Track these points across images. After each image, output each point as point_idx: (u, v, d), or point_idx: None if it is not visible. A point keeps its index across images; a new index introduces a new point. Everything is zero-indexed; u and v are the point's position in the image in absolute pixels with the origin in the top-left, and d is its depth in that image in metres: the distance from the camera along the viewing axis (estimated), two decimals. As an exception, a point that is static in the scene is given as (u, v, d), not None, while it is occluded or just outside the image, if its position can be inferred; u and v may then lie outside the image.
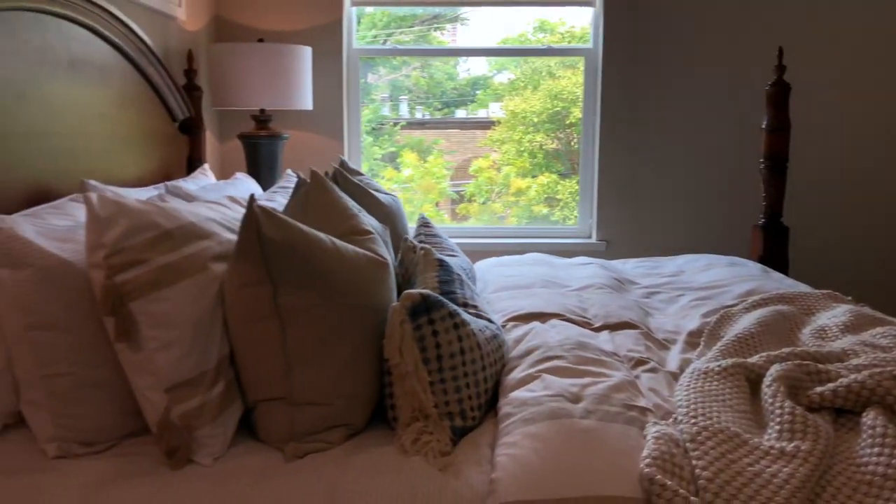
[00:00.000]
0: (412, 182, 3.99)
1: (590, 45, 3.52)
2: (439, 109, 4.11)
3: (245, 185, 2.52)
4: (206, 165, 2.76)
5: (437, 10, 3.80)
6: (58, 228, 1.39)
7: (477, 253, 3.33)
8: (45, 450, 1.28)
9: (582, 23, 3.67)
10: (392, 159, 3.98)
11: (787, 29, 3.35)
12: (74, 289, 1.27)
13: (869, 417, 1.29)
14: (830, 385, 1.40)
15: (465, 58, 3.98)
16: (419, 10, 3.80)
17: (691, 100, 3.44)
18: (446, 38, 4.00)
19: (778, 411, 1.32)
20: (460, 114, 4.15)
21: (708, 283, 2.39)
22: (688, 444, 1.25)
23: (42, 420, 1.28)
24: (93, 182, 1.97)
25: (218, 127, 3.45)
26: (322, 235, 1.37)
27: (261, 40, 3.13)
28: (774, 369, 1.45)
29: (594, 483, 1.16)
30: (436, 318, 1.37)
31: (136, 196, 1.74)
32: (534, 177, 3.92)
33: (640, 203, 3.52)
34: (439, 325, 1.37)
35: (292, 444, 1.29)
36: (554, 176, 3.90)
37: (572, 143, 3.84)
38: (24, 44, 1.83)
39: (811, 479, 1.16)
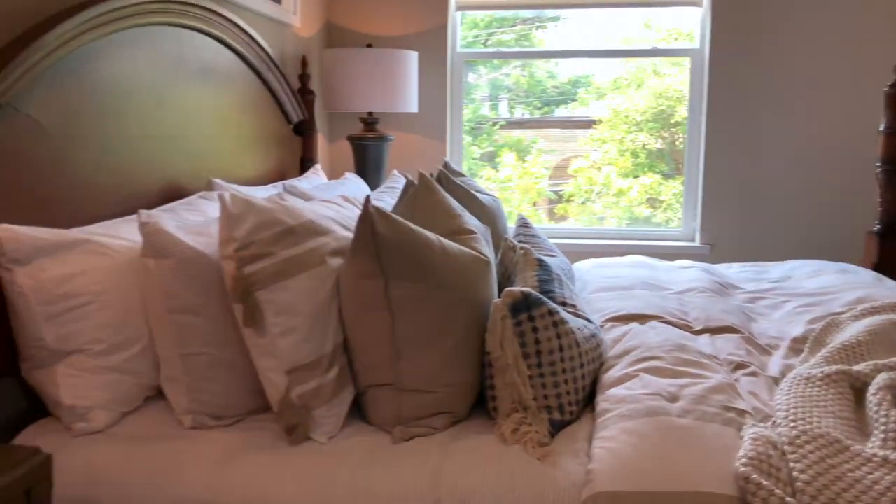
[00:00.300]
0: (510, 182, 4.02)
1: (696, 45, 3.46)
2: (539, 108, 4.11)
3: (355, 185, 2.65)
4: (318, 165, 2.92)
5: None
6: (193, 223, 1.54)
7: (576, 254, 3.34)
8: (182, 421, 1.43)
9: (689, 20, 3.60)
10: (490, 158, 4.03)
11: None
12: (208, 277, 1.42)
13: (983, 430, 1.25)
14: (942, 396, 1.36)
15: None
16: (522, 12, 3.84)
17: (802, 101, 3.32)
18: (548, 36, 4.00)
19: (883, 419, 1.30)
20: (560, 112, 4.13)
21: (816, 290, 2.33)
22: (786, 447, 1.25)
23: (179, 394, 1.43)
24: (218, 181, 2.14)
25: (327, 128, 3.62)
26: (429, 234, 1.46)
27: (370, 45, 3.27)
28: (881, 378, 1.43)
29: (689, 479, 1.18)
30: (535, 316, 1.43)
31: (259, 194, 1.88)
32: (635, 177, 3.87)
33: (746, 206, 3.43)
34: (539, 322, 1.43)
35: (399, 427, 1.39)
36: (657, 176, 3.83)
37: (677, 143, 3.76)
38: (163, 55, 2.02)
39: (916, 489, 1.14)
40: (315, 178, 2.72)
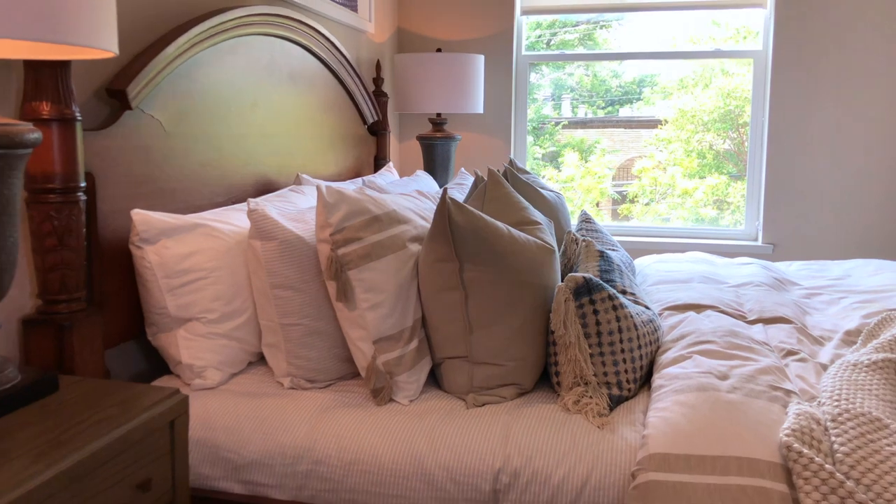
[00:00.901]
0: (572, 182, 4.08)
1: (759, 46, 3.51)
2: (603, 108, 4.15)
3: (426, 182, 2.82)
4: (391, 163, 3.10)
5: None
6: (290, 211, 1.74)
7: (639, 251, 3.44)
8: (281, 382, 1.64)
9: (756, 19, 3.62)
10: (553, 159, 4.11)
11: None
12: (306, 258, 1.61)
13: None
14: (984, 381, 1.43)
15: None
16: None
17: (865, 102, 3.34)
18: (611, 35, 4.03)
19: (924, 401, 1.39)
20: (624, 112, 4.12)
21: (874, 288, 2.37)
22: (828, 423, 1.35)
23: (278, 359, 1.63)
24: (305, 175, 2.34)
25: (398, 128, 3.82)
26: (499, 223, 1.61)
27: (439, 50, 3.45)
28: (927, 364, 1.51)
29: (735, 445, 1.30)
30: (596, 299, 1.56)
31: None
32: (702, 178, 3.88)
33: (809, 206, 3.46)
34: (599, 306, 1.56)
35: (472, 395, 1.55)
36: (723, 177, 3.82)
37: (746, 144, 3.77)
38: (257, 61, 2.23)
39: (949, 463, 1.23)
40: (388, 175, 2.90)
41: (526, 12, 3.74)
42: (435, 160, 3.42)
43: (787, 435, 1.29)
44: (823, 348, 1.87)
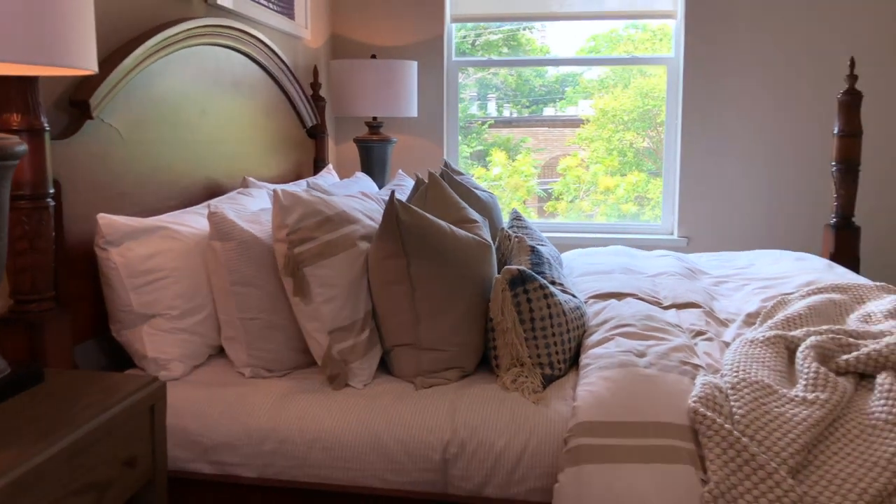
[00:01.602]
0: (500, 180, 4.24)
1: (671, 54, 3.79)
2: (527, 107, 4.30)
3: (365, 183, 2.96)
4: (330, 165, 3.22)
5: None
6: (245, 212, 1.85)
7: (564, 246, 3.66)
8: (242, 372, 1.75)
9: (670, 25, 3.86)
10: (480, 158, 4.26)
11: (859, 39, 3.52)
12: (263, 256, 1.73)
13: (881, 378, 1.58)
14: (854, 353, 1.68)
15: (553, 55, 4.17)
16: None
17: (765, 105, 3.65)
18: (535, 35, 4.15)
19: (806, 370, 1.62)
20: (549, 111, 4.25)
21: (773, 275, 2.64)
22: (728, 391, 1.57)
23: (238, 351, 1.75)
24: (252, 179, 2.44)
25: (334, 131, 3.93)
26: (441, 222, 1.77)
27: (373, 56, 3.58)
28: (810, 340, 1.75)
29: (651, 412, 1.50)
30: (529, 289, 1.74)
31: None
32: (623, 175, 4.08)
33: (720, 202, 3.74)
34: (532, 295, 1.74)
35: (420, 378, 1.71)
36: (643, 175, 4.01)
37: (663, 142, 4.02)
38: (204, 71, 2.32)
39: (825, 421, 1.46)
40: (329, 177, 3.02)
41: (455, 20, 3.91)
42: (372, 162, 3.55)
43: (694, 402, 1.50)
44: (728, 329, 2.11)
